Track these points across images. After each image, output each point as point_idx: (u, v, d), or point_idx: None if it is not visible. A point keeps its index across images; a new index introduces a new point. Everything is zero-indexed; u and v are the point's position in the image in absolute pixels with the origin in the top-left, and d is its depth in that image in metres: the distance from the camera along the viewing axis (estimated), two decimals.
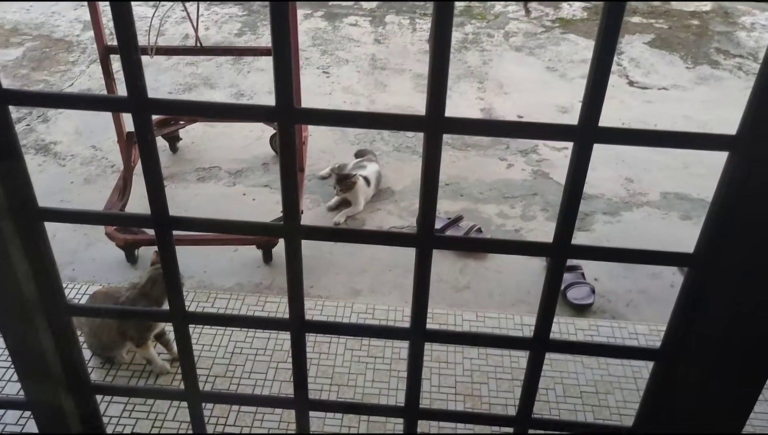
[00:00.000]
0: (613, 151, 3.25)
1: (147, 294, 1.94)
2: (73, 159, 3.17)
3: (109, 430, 1.86)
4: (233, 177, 3.07)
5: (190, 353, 1.17)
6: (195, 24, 2.49)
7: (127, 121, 2.68)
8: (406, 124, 0.93)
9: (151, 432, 1.88)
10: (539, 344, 1.06)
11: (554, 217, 2.77)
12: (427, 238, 0.96)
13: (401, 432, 1.20)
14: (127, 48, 0.83)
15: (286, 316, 1.10)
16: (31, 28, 4.50)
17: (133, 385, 2.01)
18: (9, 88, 0.90)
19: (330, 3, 5.02)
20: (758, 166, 0.83)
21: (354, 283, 2.48)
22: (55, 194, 2.88)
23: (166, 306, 1.12)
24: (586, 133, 0.84)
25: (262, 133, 3.32)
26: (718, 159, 0.89)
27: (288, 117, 0.87)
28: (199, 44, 2.59)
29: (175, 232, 1.01)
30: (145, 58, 0.96)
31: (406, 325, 1.08)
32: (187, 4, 2.77)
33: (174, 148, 3.21)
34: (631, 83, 4.01)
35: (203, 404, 1.26)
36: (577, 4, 5.11)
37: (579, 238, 2.70)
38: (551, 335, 1.05)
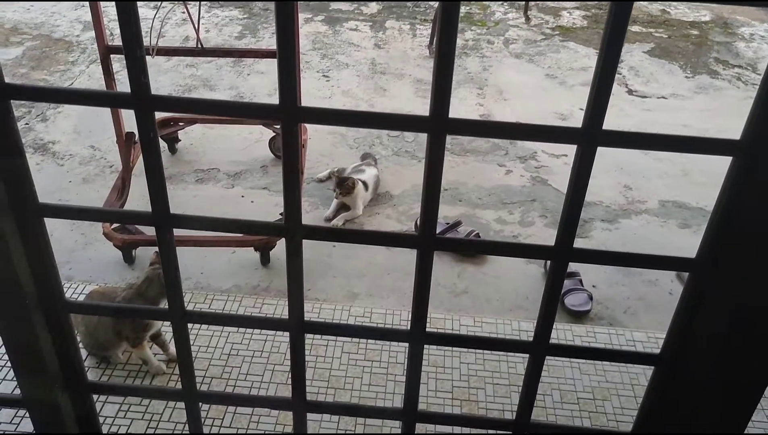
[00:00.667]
0: (612, 159, 3.25)
1: (143, 294, 1.93)
2: (71, 158, 3.16)
3: (104, 430, 1.85)
4: (232, 179, 3.06)
5: (189, 353, 1.16)
6: (196, 25, 2.49)
7: (126, 121, 2.68)
8: (409, 124, 0.93)
9: (147, 432, 1.87)
10: (539, 347, 1.05)
11: (553, 224, 2.79)
12: (428, 240, 0.96)
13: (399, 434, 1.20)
14: (131, 44, 0.83)
15: (284, 318, 1.09)
16: (31, 28, 4.50)
17: (130, 385, 2.00)
18: (12, 83, 0.90)
19: (330, 7, 5.03)
20: (761, 171, 0.83)
21: (352, 287, 2.47)
22: (53, 193, 2.88)
23: (162, 306, 1.12)
24: (590, 135, 0.84)
25: (261, 135, 3.32)
26: (718, 167, 0.89)
27: (292, 115, 0.87)
28: (200, 45, 2.59)
29: (174, 233, 1.01)
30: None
31: (404, 328, 1.08)
32: (189, 5, 2.77)
33: (173, 150, 3.21)
34: (630, 92, 4.02)
35: (199, 405, 1.25)
36: (577, 12, 5.13)
37: (577, 245, 2.69)
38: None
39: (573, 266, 2.51)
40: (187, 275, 2.47)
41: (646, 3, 5.23)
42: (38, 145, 3.24)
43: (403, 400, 1.16)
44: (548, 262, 2.59)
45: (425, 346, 1.11)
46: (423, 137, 3.42)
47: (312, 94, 3.78)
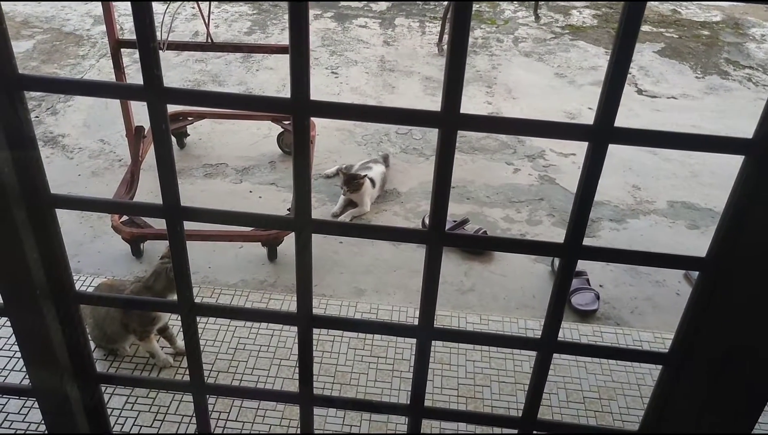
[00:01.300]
0: (621, 159, 3.25)
1: (151, 287, 1.94)
2: (81, 152, 3.18)
3: (111, 422, 1.85)
4: (240, 174, 3.07)
5: (197, 345, 1.17)
6: (206, 20, 2.49)
7: (136, 115, 2.69)
8: (420, 119, 0.93)
9: (153, 425, 1.88)
10: (547, 344, 1.05)
11: (560, 223, 2.78)
12: (438, 235, 0.96)
13: (405, 431, 1.20)
14: (144, 36, 0.84)
15: (292, 311, 1.09)
16: (41, 21, 4.52)
17: (138, 376, 2.01)
18: (25, 74, 0.91)
19: (340, 4, 5.03)
20: None
21: (358, 283, 2.48)
22: (63, 186, 2.89)
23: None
24: (602, 132, 0.84)
25: (269, 131, 3.32)
26: (727, 168, 0.89)
27: (303, 109, 0.87)
28: (210, 40, 2.60)
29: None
30: None
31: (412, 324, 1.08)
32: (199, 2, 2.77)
33: (182, 144, 3.22)
34: (640, 91, 4.00)
35: (207, 397, 1.26)
36: (588, 11, 5.11)
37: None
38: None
39: (580, 265, 2.51)
40: (194, 269, 2.47)
41: (657, 3, 5.21)
42: (48, 138, 3.26)
43: (410, 396, 1.17)
44: (556, 260, 2.59)
45: (433, 341, 1.11)
46: (431, 135, 3.40)
47: (321, 90, 3.78)
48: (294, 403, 1.65)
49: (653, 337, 2.23)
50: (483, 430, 1.91)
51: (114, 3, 2.44)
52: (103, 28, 2.53)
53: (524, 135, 0.99)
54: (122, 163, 3.07)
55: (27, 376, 1.20)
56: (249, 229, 2.47)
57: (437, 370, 2.09)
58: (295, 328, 1.10)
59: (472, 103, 3.75)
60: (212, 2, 2.54)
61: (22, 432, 1.83)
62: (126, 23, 4.23)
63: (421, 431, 1.20)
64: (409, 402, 1.17)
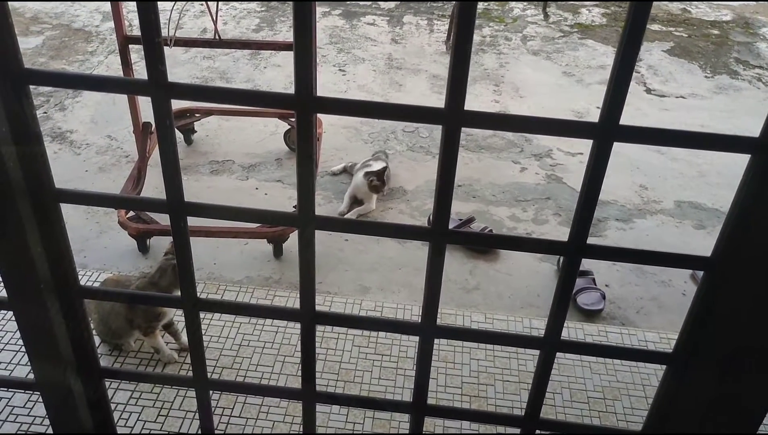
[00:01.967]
0: (628, 158, 3.23)
1: (156, 283, 1.94)
2: (88, 148, 3.19)
3: (115, 416, 1.86)
4: (246, 171, 3.08)
5: (200, 341, 1.17)
6: (214, 16, 2.50)
7: (143, 111, 2.70)
8: (425, 116, 0.93)
9: (157, 420, 1.88)
10: (551, 343, 1.05)
11: (567, 222, 2.77)
12: (441, 232, 0.96)
13: (407, 430, 1.20)
14: (149, 31, 0.84)
15: (296, 308, 1.09)
16: (51, 17, 4.54)
17: (142, 371, 2.02)
18: (30, 68, 0.91)
19: (348, 2, 5.02)
20: None
21: (363, 281, 2.48)
22: (70, 182, 2.90)
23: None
24: (606, 130, 0.84)
25: (276, 128, 3.33)
26: (734, 168, 0.88)
27: (307, 105, 0.87)
28: (218, 37, 2.60)
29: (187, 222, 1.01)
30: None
31: (415, 321, 1.08)
32: None
33: (188, 141, 3.23)
34: (648, 90, 3.98)
35: (210, 393, 1.26)
36: (597, 10, 5.08)
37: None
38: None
39: (586, 265, 2.50)
40: (199, 266, 2.48)
41: (666, 2, 5.18)
42: (56, 133, 3.27)
43: (413, 394, 1.16)
44: (561, 259, 2.58)
45: (435, 340, 1.11)
46: (438, 133, 3.40)
47: (328, 88, 3.78)
48: (297, 400, 1.65)
49: (659, 337, 2.22)
50: (486, 428, 1.90)
51: None
52: (112, 24, 2.54)
53: (528, 132, 0.99)
54: (129, 160, 3.08)
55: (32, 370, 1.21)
56: (255, 225, 2.47)
57: (441, 368, 2.09)
58: (299, 325, 1.10)
59: (479, 101, 3.75)
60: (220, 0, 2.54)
61: (27, 425, 1.84)
62: (135, 19, 4.23)
63: (425, 429, 1.20)
64: (412, 399, 1.17)
